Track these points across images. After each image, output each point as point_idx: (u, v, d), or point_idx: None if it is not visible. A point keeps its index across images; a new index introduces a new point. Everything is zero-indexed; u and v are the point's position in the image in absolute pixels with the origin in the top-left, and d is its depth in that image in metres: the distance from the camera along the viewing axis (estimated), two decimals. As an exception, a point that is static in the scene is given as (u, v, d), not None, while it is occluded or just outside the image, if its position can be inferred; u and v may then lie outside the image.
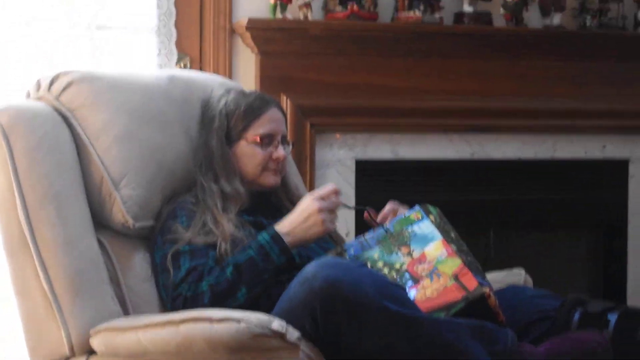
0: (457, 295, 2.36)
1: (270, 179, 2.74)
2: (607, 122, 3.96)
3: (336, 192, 2.59)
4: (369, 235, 2.53)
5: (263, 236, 2.53)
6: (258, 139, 2.71)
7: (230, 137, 2.72)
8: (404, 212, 2.59)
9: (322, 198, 2.56)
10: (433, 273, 2.41)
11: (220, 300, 2.44)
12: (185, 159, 2.74)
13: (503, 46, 3.81)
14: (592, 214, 4.06)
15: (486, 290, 2.36)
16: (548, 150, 3.91)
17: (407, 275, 2.42)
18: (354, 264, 2.29)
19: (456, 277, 2.38)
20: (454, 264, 2.41)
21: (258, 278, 2.48)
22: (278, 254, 2.51)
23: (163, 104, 2.76)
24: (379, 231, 2.53)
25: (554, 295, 2.60)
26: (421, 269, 2.42)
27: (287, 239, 2.52)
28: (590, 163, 3.98)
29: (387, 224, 2.54)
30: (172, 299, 2.48)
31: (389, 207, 2.64)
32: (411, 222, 2.51)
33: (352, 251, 2.51)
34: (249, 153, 2.72)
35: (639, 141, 4.04)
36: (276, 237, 2.53)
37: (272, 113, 2.75)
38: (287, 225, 2.55)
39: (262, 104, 2.74)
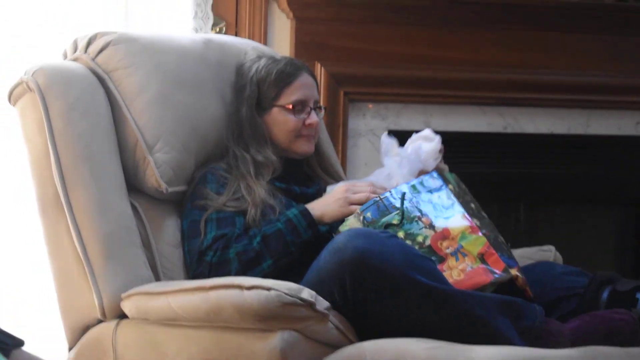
0: (484, 278, 2.33)
1: (304, 146, 2.73)
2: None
3: (370, 187, 2.56)
4: (384, 195, 2.46)
5: (292, 211, 2.54)
6: (291, 107, 2.70)
7: (262, 105, 2.71)
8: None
9: (355, 185, 2.57)
10: (458, 252, 2.37)
11: (246, 269, 2.45)
12: (220, 124, 2.73)
13: (538, 18, 3.77)
14: (623, 190, 4.03)
15: (513, 273, 2.35)
16: (581, 125, 3.88)
17: (431, 251, 2.37)
18: (384, 235, 2.28)
19: (482, 258, 2.36)
20: (479, 242, 2.37)
21: (285, 250, 2.49)
22: (305, 228, 2.52)
23: (198, 67, 2.76)
24: (397, 193, 2.45)
25: (583, 273, 2.59)
26: (445, 246, 2.39)
27: (315, 213, 2.54)
28: (623, 139, 3.95)
29: (404, 185, 2.48)
30: (197, 265, 2.49)
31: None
32: (430, 190, 2.46)
33: (369, 215, 2.44)
34: (281, 120, 2.71)
35: (674, 119, 4.01)
36: (304, 212, 2.54)
37: (304, 79, 2.73)
38: (317, 203, 2.58)
39: (293, 70, 2.72)
